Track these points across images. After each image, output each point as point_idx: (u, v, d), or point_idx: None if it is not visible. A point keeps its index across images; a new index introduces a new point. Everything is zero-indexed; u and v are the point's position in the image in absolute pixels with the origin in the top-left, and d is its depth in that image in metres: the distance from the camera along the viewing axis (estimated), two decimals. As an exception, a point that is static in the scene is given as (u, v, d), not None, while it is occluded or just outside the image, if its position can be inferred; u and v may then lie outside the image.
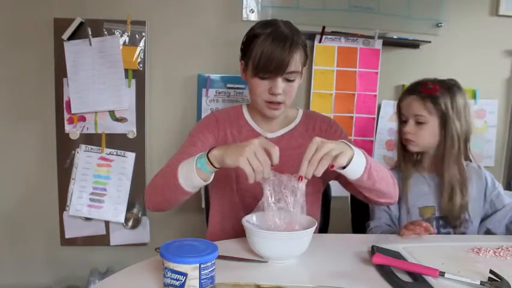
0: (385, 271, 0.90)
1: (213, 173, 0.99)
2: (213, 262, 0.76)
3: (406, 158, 1.40)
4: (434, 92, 1.31)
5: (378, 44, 1.93)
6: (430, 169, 1.39)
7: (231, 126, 1.25)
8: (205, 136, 1.21)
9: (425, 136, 1.34)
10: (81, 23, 1.74)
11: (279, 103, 1.16)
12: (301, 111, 1.32)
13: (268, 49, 1.09)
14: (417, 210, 1.34)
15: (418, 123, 1.33)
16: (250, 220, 1.00)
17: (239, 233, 1.14)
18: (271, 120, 1.25)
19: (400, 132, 1.39)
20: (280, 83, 1.13)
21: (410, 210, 1.34)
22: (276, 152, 0.95)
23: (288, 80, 1.14)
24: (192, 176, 0.97)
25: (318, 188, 1.29)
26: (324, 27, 1.86)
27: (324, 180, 1.30)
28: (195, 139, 1.20)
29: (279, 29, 1.13)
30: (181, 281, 0.73)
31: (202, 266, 0.73)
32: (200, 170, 0.96)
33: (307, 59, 1.21)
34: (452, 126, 1.31)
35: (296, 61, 1.12)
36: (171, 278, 0.74)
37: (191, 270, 0.73)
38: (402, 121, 1.38)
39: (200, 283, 0.74)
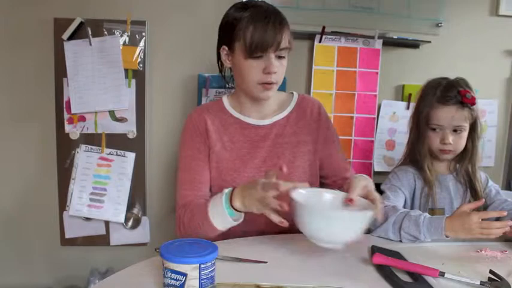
0: (385, 271, 0.90)
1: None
2: (213, 262, 0.76)
3: (433, 165, 1.34)
4: (474, 101, 1.28)
5: (378, 44, 1.94)
6: (446, 171, 1.38)
7: (213, 120, 1.21)
8: (199, 149, 1.19)
9: (462, 144, 1.32)
10: (81, 23, 1.74)
11: (272, 83, 1.13)
12: (295, 96, 1.29)
13: (260, 26, 1.07)
14: (427, 212, 1.32)
15: (455, 131, 1.30)
16: (300, 195, 0.91)
17: (235, 233, 1.13)
18: (262, 106, 1.22)
19: (423, 139, 1.32)
20: (274, 61, 1.10)
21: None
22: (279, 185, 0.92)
23: (280, 57, 1.12)
24: (229, 223, 1.03)
25: (311, 180, 1.25)
26: (324, 27, 1.86)
27: (317, 172, 1.29)
28: (192, 157, 1.19)
29: (263, 7, 1.12)
30: (181, 281, 0.73)
31: (202, 266, 0.73)
32: (233, 218, 1.02)
33: (293, 42, 1.17)
34: (479, 131, 1.32)
35: (286, 36, 1.11)
36: (171, 278, 0.74)
37: (191, 270, 0.73)
38: (431, 129, 1.31)
39: (200, 283, 0.74)
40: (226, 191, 1.02)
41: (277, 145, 1.21)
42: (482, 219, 1.05)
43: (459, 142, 1.31)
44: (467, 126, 1.31)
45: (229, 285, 0.77)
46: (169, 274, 0.74)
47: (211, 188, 1.22)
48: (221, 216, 1.01)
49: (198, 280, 0.73)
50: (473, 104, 1.29)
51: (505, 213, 1.10)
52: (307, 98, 1.30)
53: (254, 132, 1.21)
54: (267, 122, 1.23)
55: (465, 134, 1.31)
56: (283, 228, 1.12)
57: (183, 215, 1.12)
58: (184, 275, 0.73)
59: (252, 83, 1.13)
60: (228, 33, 1.14)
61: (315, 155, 1.25)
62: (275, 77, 1.12)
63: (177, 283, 0.73)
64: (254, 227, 1.14)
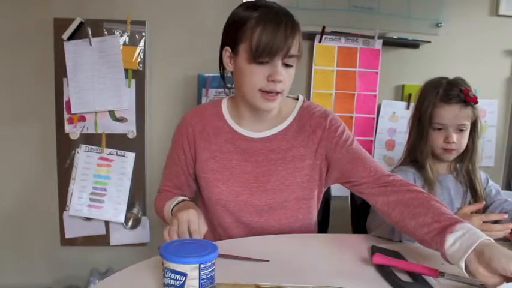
0: (385, 271, 0.90)
1: None
2: (212, 262, 0.76)
3: (434, 165, 1.33)
4: (476, 99, 1.28)
5: (378, 44, 1.94)
6: (446, 172, 1.37)
7: (204, 126, 1.15)
8: (180, 155, 1.19)
9: (465, 143, 1.31)
10: (81, 23, 1.74)
11: (277, 93, 1.02)
12: (299, 104, 1.17)
13: (269, 28, 0.97)
14: None
15: (459, 130, 1.29)
16: None
17: (231, 235, 1.15)
18: (261, 116, 1.12)
19: (426, 139, 1.31)
20: (281, 68, 1.00)
21: None
22: (196, 234, 0.93)
23: (287, 66, 1.02)
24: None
25: (309, 195, 1.16)
26: (324, 27, 1.86)
27: (320, 186, 1.18)
28: (176, 156, 1.20)
29: (274, 8, 1.02)
30: (181, 281, 0.73)
31: (202, 266, 0.73)
32: None
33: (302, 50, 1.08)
34: (479, 130, 1.32)
35: (297, 43, 1.01)
36: (171, 278, 0.74)
37: (191, 270, 0.73)
38: (434, 128, 1.31)
39: (200, 283, 0.74)
40: (179, 198, 1.08)
41: (270, 161, 1.12)
42: (483, 222, 1.05)
43: (462, 141, 1.31)
44: (469, 125, 1.31)
45: (229, 285, 0.77)
46: (169, 274, 0.74)
47: (202, 197, 1.20)
48: (167, 215, 1.09)
49: (198, 280, 0.73)
50: (476, 102, 1.29)
51: (506, 216, 1.10)
52: (310, 107, 1.17)
53: (246, 145, 1.13)
54: (262, 135, 1.13)
55: (467, 132, 1.31)
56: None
57: (157, 197, 1.23)
58: (184, 275, 0.73)
59: (253, 91, 1.02)
60: (233, 33, 1.03)
61: (313, 170, 1.13)
62: (280, 86, 1.02)
63: (177, 283, 0.73)
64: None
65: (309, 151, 1.13)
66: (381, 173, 1.07)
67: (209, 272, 0.75)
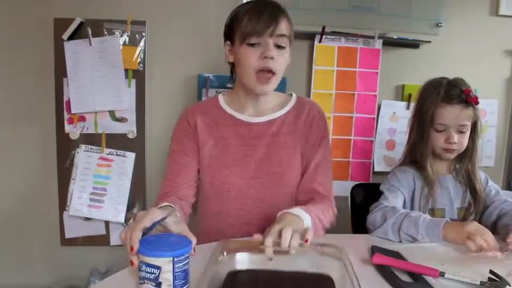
0: (385, 271, 0.90)
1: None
2: (186, 256, 0.77)
3: (435, 164, 1.34)
4: (477, 100, 1.28)
5: (378, 44, 1.94)
6: (446, 172, 1.37)
7: (205, 116, 1.20)
8: (187, 146, 1.18)
9: (465, 143, 1.31)
10: (81, 23, 1.74)
11: (271, 72, 1.09)
12: (294, 96, 1.25)
13: (256, 12, 1.07)
14: (427, 212, 1.31)
15: (460, 131, 1.29)
16: None
17: (232, 225, 1.17)
18: (259, 102, 1.19)
19: (426, 140, 1.31)
20: (272, 46, 1.07)
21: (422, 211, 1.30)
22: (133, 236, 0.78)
23: (279, 47, 1.09)
24: None
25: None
26: (324, 27, 1.86)
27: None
28: (179, 152, 1.18)
29: (263, 0, 1.12)
30: (155, 274, 0.74)
31: (175, 259, 0.74)
32: None
33: (293, 36, 1.15)
34: (479, 130, 1.32)
35: (285, 25, 1.09)
36: (146, 272, 0.75)
37: (165, 264, 0.74)
38: (436, 129, 1.30)
39: (174, 276, 0.75)
40: (163, 204, 0.98)
41: (272, 144, 1.17)
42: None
43: (463, 141, 1.31)
44: (470, 125, 1.31)
45: (239, 242, 0.77)
46: (144, 267, 0.75)
47: (203, 185, 1.20)
48: None
49: (171, 273, 0.74)
50: (477, 103, 1.29)
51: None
52: (305, 100, 1.26)
53: (247, 129, 1.18)
54: (262, 119, 1.19)
55: (468, 133, 1.31)
56: None
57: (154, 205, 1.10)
58: (158, 268, 0.74)
59: (250, 73, 1.09)
60: (229, 27, 1.14)
61: (302, 160, 1.20)
62: (273, 64, 1.08)
63: (151, 276, 0.74)
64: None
65: (302, 142, 1.19)
66: (315, 188, 1.16)
67: (183, 265, 0.76)
